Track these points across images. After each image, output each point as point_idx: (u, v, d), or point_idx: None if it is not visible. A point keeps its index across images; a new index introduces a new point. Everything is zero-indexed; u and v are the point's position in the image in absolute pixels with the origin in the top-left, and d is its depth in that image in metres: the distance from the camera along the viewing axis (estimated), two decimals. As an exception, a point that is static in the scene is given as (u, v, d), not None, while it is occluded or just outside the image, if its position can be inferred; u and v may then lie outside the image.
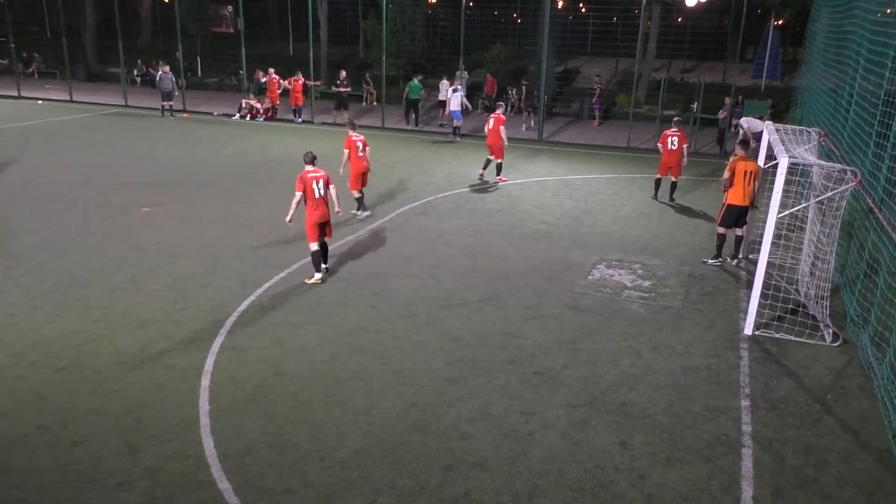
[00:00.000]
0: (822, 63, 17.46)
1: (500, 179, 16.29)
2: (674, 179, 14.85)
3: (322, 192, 9.74)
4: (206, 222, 12.64)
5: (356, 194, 12.99)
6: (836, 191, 9.08)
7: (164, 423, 6.59)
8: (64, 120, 23.15)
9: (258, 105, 24.38)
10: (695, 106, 21.39)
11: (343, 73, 23.84)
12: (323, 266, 10.07)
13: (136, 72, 31.37)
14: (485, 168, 16.28)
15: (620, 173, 17.71)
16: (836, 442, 6.63)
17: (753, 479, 6.05)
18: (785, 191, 8.49)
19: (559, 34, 30.27)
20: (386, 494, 5.72)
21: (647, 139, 20.91)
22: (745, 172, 10.59)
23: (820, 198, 9.49)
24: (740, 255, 11.29)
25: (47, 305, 8.99)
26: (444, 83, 23.66)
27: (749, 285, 9.64)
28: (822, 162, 9.66)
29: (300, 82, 23.76)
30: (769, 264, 8.67)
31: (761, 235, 8.75)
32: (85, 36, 35.09)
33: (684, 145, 14.56)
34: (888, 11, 11.00)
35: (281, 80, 24.23)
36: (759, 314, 8.79)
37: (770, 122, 11.33)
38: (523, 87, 25.57)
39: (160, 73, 24.28)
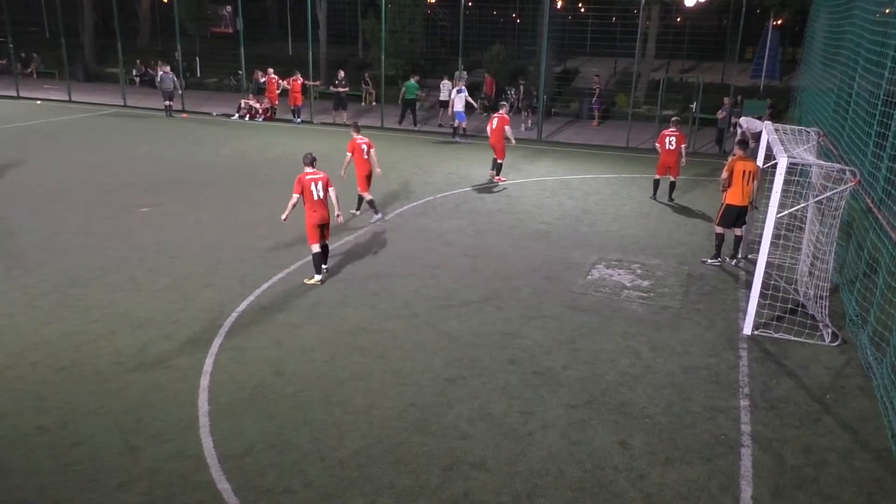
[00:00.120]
0: (821, 63, 17.48)
1: (500, 179, 16.31)
2: (672, 179, 14.86)
3: (321, 194, 9.67)
4: (206, 222, 12.64)
5: (367, 196, 12.95)
6: (835, 191, 9.09)
7: (163, 423, 6.59)
8: (63, 120, 23.14)
9: (257, 105, 24.37)
10: (694, 106, 21.40)
11: (341, 73, 23.84)
12: (323, 267, 10.07)
13: (134, 72, 31.37)
14: (493, 169, 16.33)
15: (620, 173, 17.72)
16: (836, 441, 6.63)
17: (753, 478, 6.05)
18: (784, 191, 8.50)
19: (558, 34, 30.27)
20: (386, 494, 5.72)
21: (647, 139, 20.92)
22: (744, 172, 10.60)
23: (819, 198, 9.50)
24: (739, 255, 11.30)
25: (47, 305, 8.99)
26: (445, 83, 23.62)
27: (748, 285, 9.66)
28: (822, 162, 9.65)
29: (299, 82, 23.76)
30: (768, 264, 8.67)
31: (760, 235, 8.75)
32: (83, 36, 35.05)
33: (683, 145, 14.56)
34: (887, 11, 11.01)
35: (280, 81, 24.21)
36: (758, 314, 8.80)
37: (769, 122, 11.34)
38: (521, 87, 25.57)
39: (161, 73, 24.24)
